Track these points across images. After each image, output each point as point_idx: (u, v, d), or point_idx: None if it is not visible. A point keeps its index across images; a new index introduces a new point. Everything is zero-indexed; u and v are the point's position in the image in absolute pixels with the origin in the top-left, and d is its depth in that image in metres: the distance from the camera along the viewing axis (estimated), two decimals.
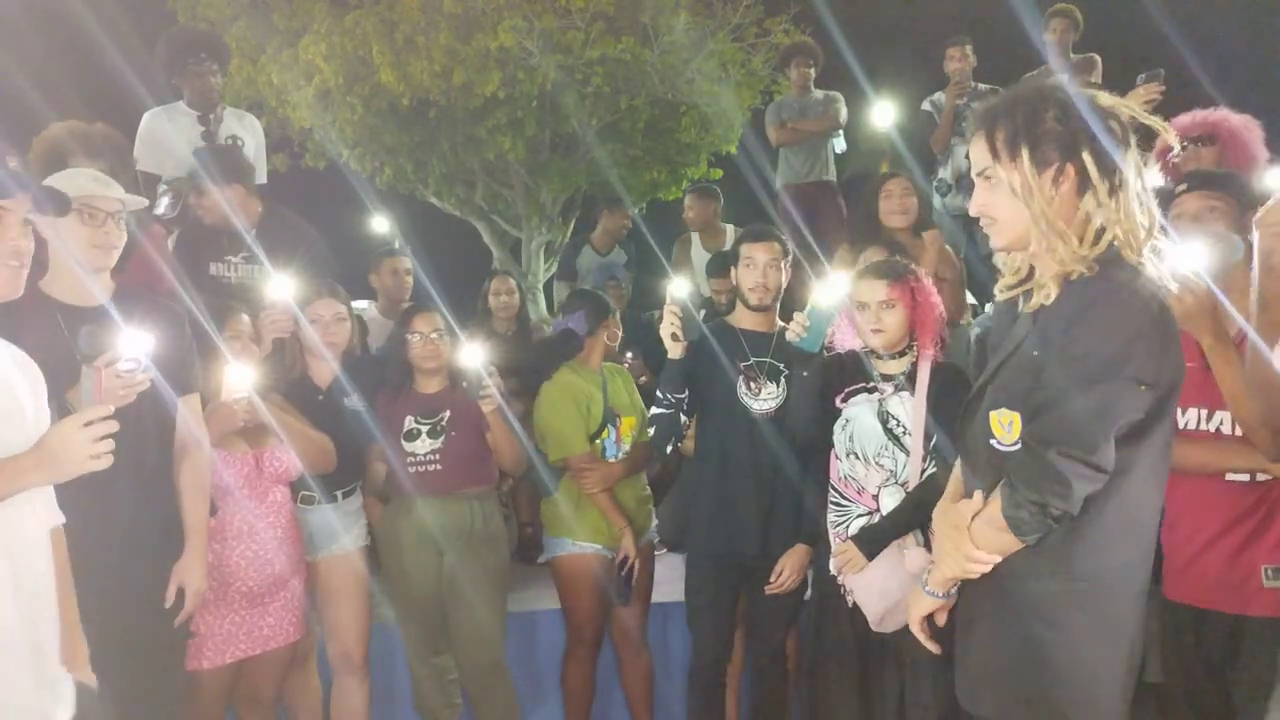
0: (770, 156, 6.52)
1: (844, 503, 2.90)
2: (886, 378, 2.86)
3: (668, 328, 3.03)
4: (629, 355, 4.28)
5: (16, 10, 7.40)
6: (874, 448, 2.84)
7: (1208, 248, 2.14)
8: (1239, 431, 2.28)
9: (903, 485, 2.80)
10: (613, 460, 3.45)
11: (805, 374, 2.88)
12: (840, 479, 2.90)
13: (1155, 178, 1.79)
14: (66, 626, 1.92)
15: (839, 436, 2.90)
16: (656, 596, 3.63)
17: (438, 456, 3.25)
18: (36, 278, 2.22)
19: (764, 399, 3.16)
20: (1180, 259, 1.99)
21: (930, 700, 2.74)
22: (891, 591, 2.71)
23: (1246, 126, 3.07)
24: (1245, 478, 2.34)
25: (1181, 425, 2.39)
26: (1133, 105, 1.77)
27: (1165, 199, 2.14)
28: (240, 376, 2.71)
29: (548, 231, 8.31)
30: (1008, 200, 1.76)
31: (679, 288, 3.09)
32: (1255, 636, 2.33)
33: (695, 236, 6.21)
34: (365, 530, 3.33)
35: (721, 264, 4.79)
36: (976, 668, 1.90)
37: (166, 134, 4.27)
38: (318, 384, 3.29)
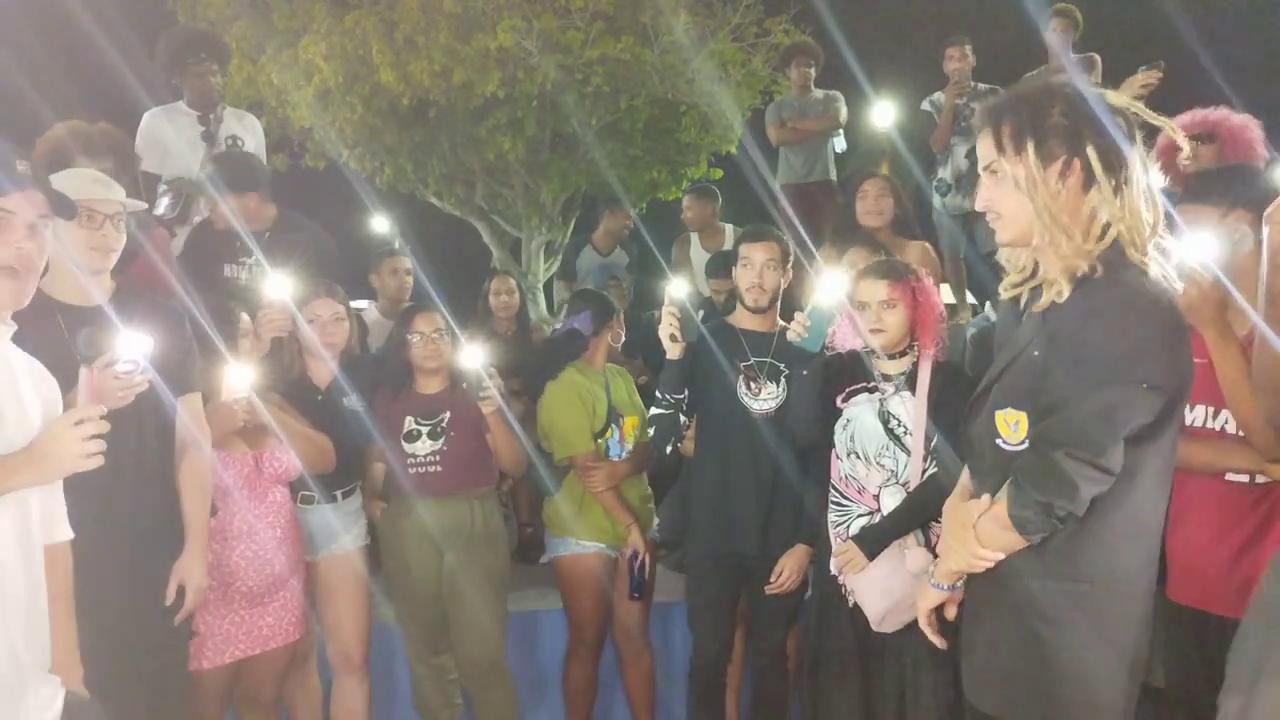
0: (770, 156, 6.52)
1: (845, 502, 2.89)
2: (887, 377, 2.86)
3: (666, 328, 3.03)
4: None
5: (16, 10, 7.40)
6: (875, 447, 2.84)
7: (1215, 239, 2.14)
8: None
9: (904, 485, 2.80)
10: (617, 459, 3.45)
11: (806, 374, 2.88)
12: (841, 479, 2.90)
13: (1156, 178, 1.79)
14: (60, 642, 1.90)
15: (840, 436, 2.90)
16: (656, 596, 3.63)
17: (438, 457, 3.25)
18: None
19: (764, 399, 3.16)
20: (1187, 250, 1.99)
21: (930, 700, 2.74)
22: (892, 591, 2.71)
23: (1247, 126, 3.06)
24: (1245, 479, 2.32)
25: (1189, 421, 2.38)
26: (1141, 106, 1.77)
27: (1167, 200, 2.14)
28: (240, 376, 2.71)
29: (548, 231, 8.30)
30: (1013, 194, 1.76)
31: (677, 288, 3.09)
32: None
33: (694, 236, 6.21)
34: (365, 530, 3.33)
35: (721, 264, 4.79)
36: (981, 664, 1.91)
37: (166, 134, 4.28)
38: (316, 384, 3.29)
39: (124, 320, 2.15)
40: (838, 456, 2.91)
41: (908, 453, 2.80)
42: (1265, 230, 1.87)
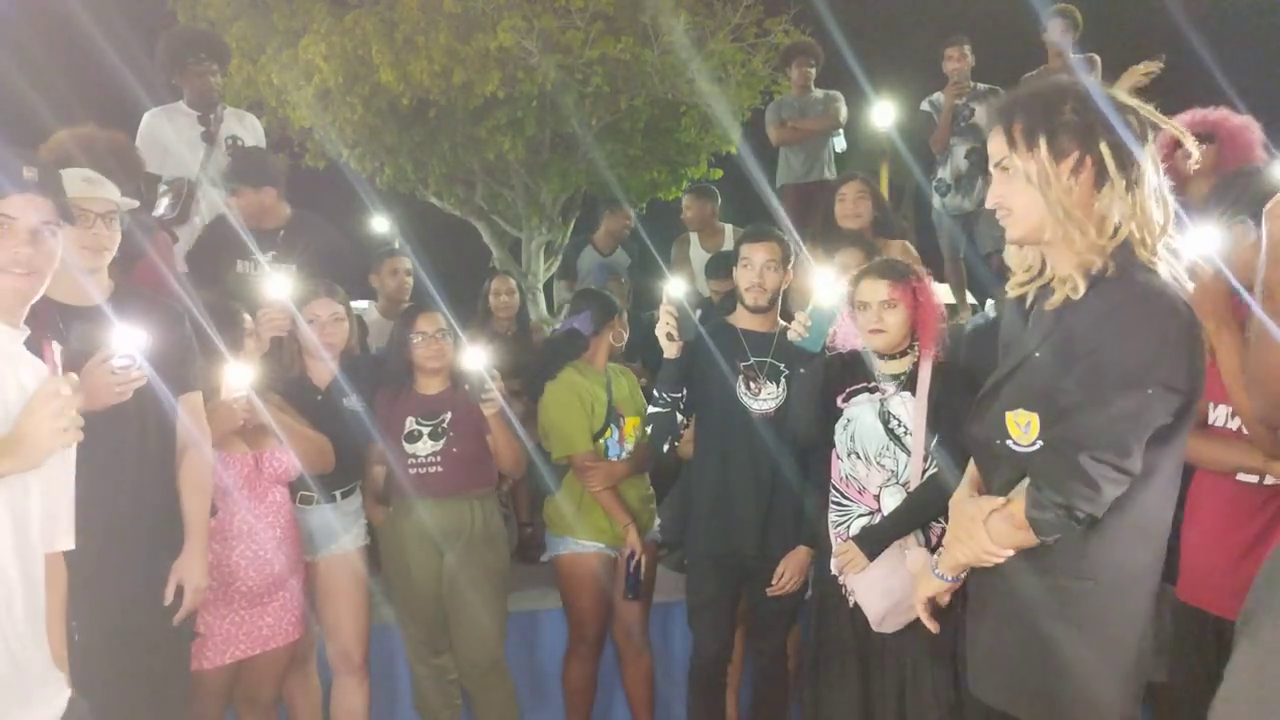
0: (770, 156, 6.52)
1: (845, 503, 2.89)
2: (888, 378, 2.86)
3: (663, 328, 3.03)
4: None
5: (16, 11, 7.40)
6: (875, 448, 2.83)
7: (1220, 231, 2.13)
8: None
9: (904, 485, 2.80)
10: (616, 459, 3.46)
11: (806, 374, 2.88)
12: (841, 479, 2.90)
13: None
14: (51, 650, 1.89)
15: (840, 436, 2.90)
16: (656, 596, 3.64)
17: (439, 458, 3.25)
18: None
19: (764, 399, 3.16)
20: (1190, 243, 1.99)
21: (930, 700, 2.74)
22: (893, 591, 2.70)
23: (1247, 127, 3.07)
24: (1255, 479, 2.31)
25: (1210, 420, 2.37)
26: (1151, 109, 1.77)
27: None
28: (239, 376, 2.71)
29: (548, 231, 8.31)
30: (1024, 190, 1.76)
31: (675, 288, 3.09)
32: None
33: (694, 236, 6.21)
34: (365, 530, 3.33)
35: (721, 264, 4.79)
36: (985, 657, 1.91)
37: (166, 134, 4.28)
38: (316, 384, 3.29)
39: (120, 318, 2.15)
40: (838, 456, 2.91)
41: (908, 453, 2.80)
42: (1264, 225, 1.86)
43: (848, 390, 2.90)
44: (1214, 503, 2.38)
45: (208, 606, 2.72)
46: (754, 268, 3.17)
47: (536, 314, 7.30)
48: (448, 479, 3.25)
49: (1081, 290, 1.73)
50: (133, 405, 2.20)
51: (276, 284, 3.21)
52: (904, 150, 6.37)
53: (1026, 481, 1.75)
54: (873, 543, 2.77)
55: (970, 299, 5.95)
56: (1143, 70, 1.73)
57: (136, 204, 2.59)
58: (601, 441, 3.44)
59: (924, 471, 2.78)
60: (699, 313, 4.51)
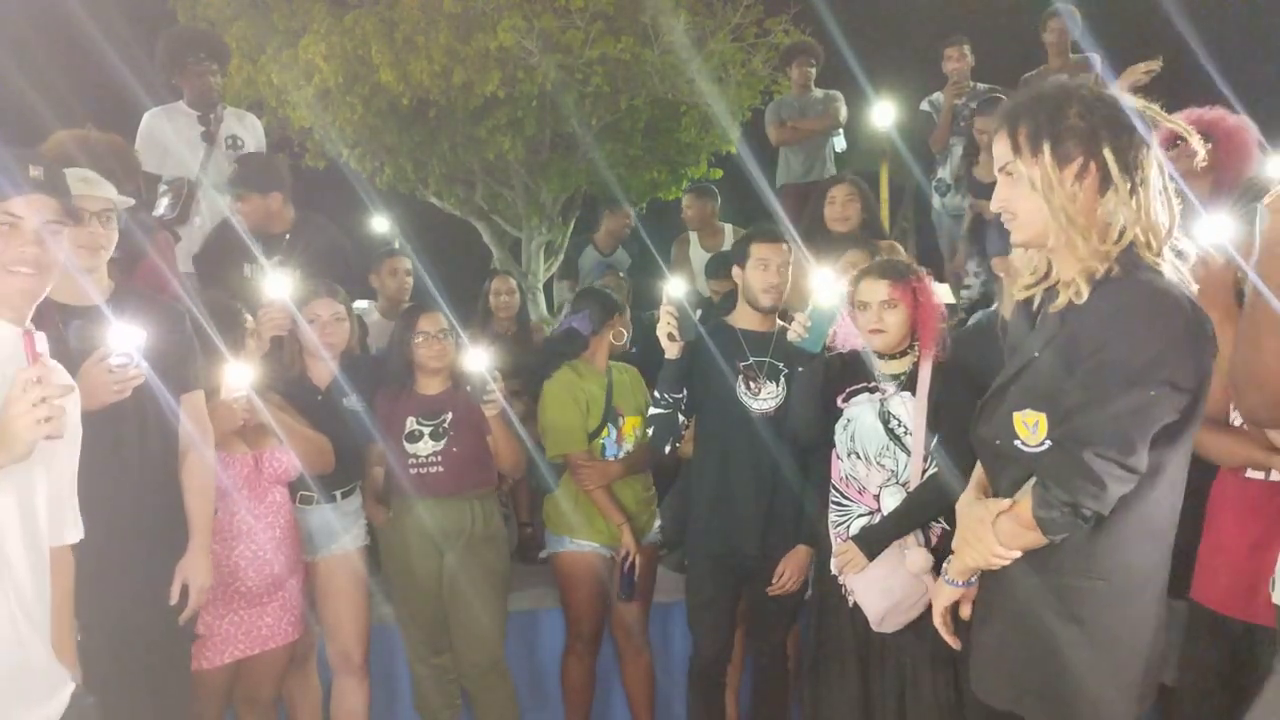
0: (770, 156, 6.52)
1: (845, 502, 2.89)
2: (888, 377, 2.86)
3: (664, 328, 3.03)
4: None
5: (16, 11, 7.40)
6: (875, 448, 2.84)
7: (1228, 220, 2.13)
8: None
9: (904, 485, 2.80)
10: (611, 459, 3.45)
11: (806, 374, 2.88)
12: (841, 479, 2.90)
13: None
14: (59, 644, 1.90)
15: (840, 436, 2.90)
16: (656, 596, 3.64)
17: (439, 458, 3.25)
18: None
19: (763, 399, 3.16)
20: (1202, 231, 1.99)
21: (930, 700, 2.74)
22: (892, 591, 2.71)
23: (1243, 127, 3.06)
24: (1262, 475, 2.30)
25: (1232, 418, 2.36)
26: (1157, 109, 1.77)
27: None
28: (239, 375, 2.71)
29: (548, 231, 8.30)
30: (1028, 195, 1.76)
31: (675, 288, 3.09)
32: (1264, 647, 2.24)
33: (693, 236, 6.22)
34: (365, 530, 3.33)
35: (721, 264, 4.78)
36: (990, 658, 1.91)
37: (166, 134, 4.29)
38: (316, 384, 3.29)
39: (121, 319, 2.15)
40: (838, 456, 2.91)
41: (908, 453, 2.80)
42: (1262, 220, 1.86)
43: (848, 390, 2.90)
44: (1223, 501, 2.38)
45: (207, 606, 2.73)
46: (771, 268, 3.17)
47: (537, 314, 7.29)
48: (448, 479, 3.26)
49: (1085, 294, 1.73)
50: (132, 404, 2.20)
51: (277, 283, 3.21)
52: (904, 150, 6.36)
53: (1032, 481, 1.75)
54: (872, 543, 2.77)
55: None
56: (1143, 69, 1.74)
57: (133, 202, 2.59)
58: (598, 441, 3.44)
59: (924, 471, 2.78)
60: (699, 313, 4.51)
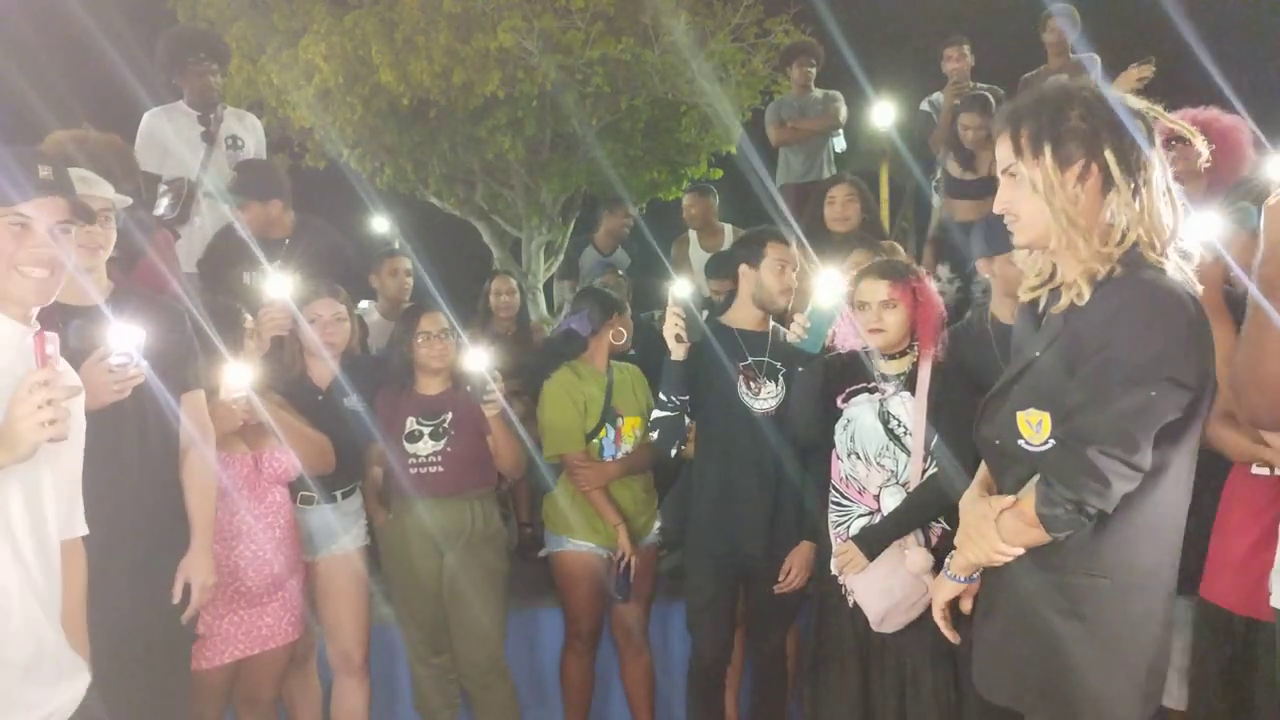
0: (770, 156, 6.52)
1: (845, 503, 2.89)
2: (887, 378, 2.86)
3: (671, 329, 3.01)
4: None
5: (16, 11, 7.40)
6: (875, 448, 2.83)
7: (1220, 217, 2.13)
8: None
9: (904, 485, 2.80)
10: (609, 460, 3.45)
11: (806, 374, 2.88)
12: (841, 479, 2.90)
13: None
14: (73, 636, 1.92)
15: (840, 436, 2.90)
16: (656, 596, 3.63)
17: (439, 458, 3.25)
18: None
19: (764, 398, 3.16)
20: (1190, 230, 1.99)
21: (930, 700, 2.74)
22: (893, 591, 2.71)
23: (1236, 127, 3.06)
24: (1267, 471, 2.31)
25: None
26: (1160, 110, 1.77)
27: None
28: (239, 376, 2.71)
29: (548, 231, 8.30)
30: (1030, 197, 1.77)
31: (681, 288, 3.08)
32: (1264, 645, 2.26)
33: (693, 236, 6.22)
34: (365, 530, 3.33)
35: (722, 264, 4.78)
36: (992, 654, 1.92)
37: (166, 134, 4.29)
38: (317, 384, 3.29)
39: (121, 318, 2.15)
40: (838, 457, 2.91)
41: (908, 453, 2.80)
42: (1263, 220, 1.85)
43: (847, 390, 2.90)
44: (1233, 497, 2.39)
45: (208, 606, 2.73)
46: (787, 268, 3.19)
47: (537, 314, 7.29)
48: (448, 479, 3.26)
49: (1086, 295, 1.74)
50: (131, 404, 2.20)
51: (277, 283, 3.21)
52: (904, 150, 6.36)
53: (1036, 478, 1.75)
54: (872, 543, 2.77)
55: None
56: (1136, 75, 1.75)
57: (130, 201, 2.60)
58: (596, 441, 3.44)
59: (924, 471, 2.78)
60: (705, 314, 4.50)
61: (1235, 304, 2.19)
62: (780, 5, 7.39)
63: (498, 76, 6.87)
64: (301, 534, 3.08)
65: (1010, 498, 1.81)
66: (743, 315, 3.25)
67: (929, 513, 2.77)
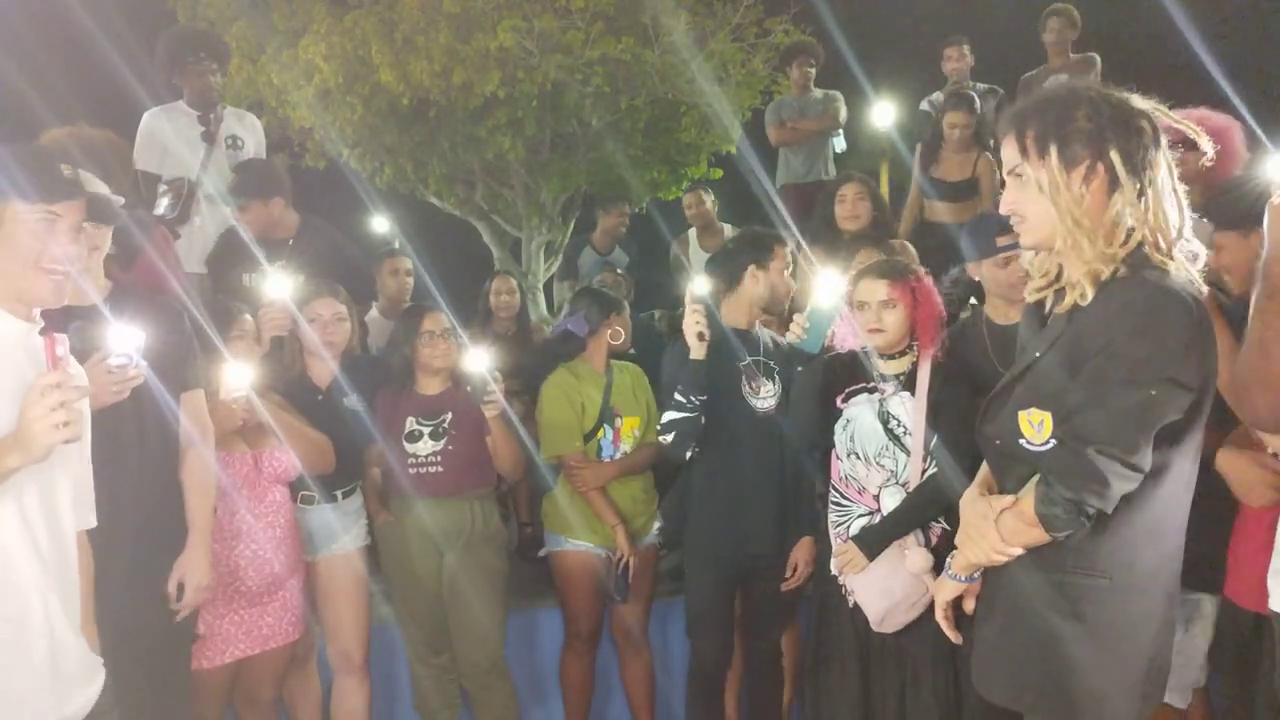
0: (770, 156, 6.52)
1: (845, 503, 2.89)
2: (886, 378, 2.86)
3: (693, 326, 2.96)
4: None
5: (16, 10, 7.40)
6: (875, 448, 2.83)
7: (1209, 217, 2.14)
8: None
9: (903, 485, 2.80)
10: (607, 460, 3.45)
11: (804, 373, 2.88)
12: (841, 479, 2.90)
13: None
14: (85, 628, 1.94)
15: (840, 436, 2.90)
16: (656, 596, 3.63)
17: (439, 458, 3.25)
18: None
19: (764, 397, 3.16)
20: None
21: (930, 700, 2.74)
22: (893, 591, 2.71)
23: (1228, 128, 3.06)
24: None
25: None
26: (1165, 110, 1.77)
27: None
28: (239, 375, 2.71)
29: (548, 231, 8.30)
30: (1036, 199, 1.77)
31: (701, 285, 3.04)
32: (1267, 641, 2.28)
33: (693, 236, 6.23)
34: (365, 530, 3.33)
35: (728, 264, 4.76)
36: (991, 653, 1.92)
37: (166, 134, 4.28)
38: (317, 384, 3.29)
39: (121, 318, 2.15)
40: (838, 457, 2.91)
41: (907, 453, 2.80)
42: (1265, 220, 1.85)
43: (847, 391, 2.90)
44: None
45: (207, 606, 2.73)
46: (790, 270, 3.20)
47: (537, 314, 7.30)
48: (448, 479, 3.26)
49: (1090, 297, 1.74)
50: (131, 405, 2.20)
51: (277, 283, 3.21)
52: (904, 150, 6.37)
53: (1036, 478, 1.76)
54: (872, 543, 2.77)
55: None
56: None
57: (121, 200, 2.60)
58: (594, 442, 3.44)
59: (923, 471, 2.78)
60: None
61: (1225, 310, 2.20)
62: (780, 5, 7.40)
63: (498, 76, 6.87)
64: (302, 534, 3.08)
65: (1010, 497, 1.81)
66: (736, 314, 3.24)
67: (929, 513, 2.77)
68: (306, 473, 3.04)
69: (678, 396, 3.04)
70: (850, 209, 4.33)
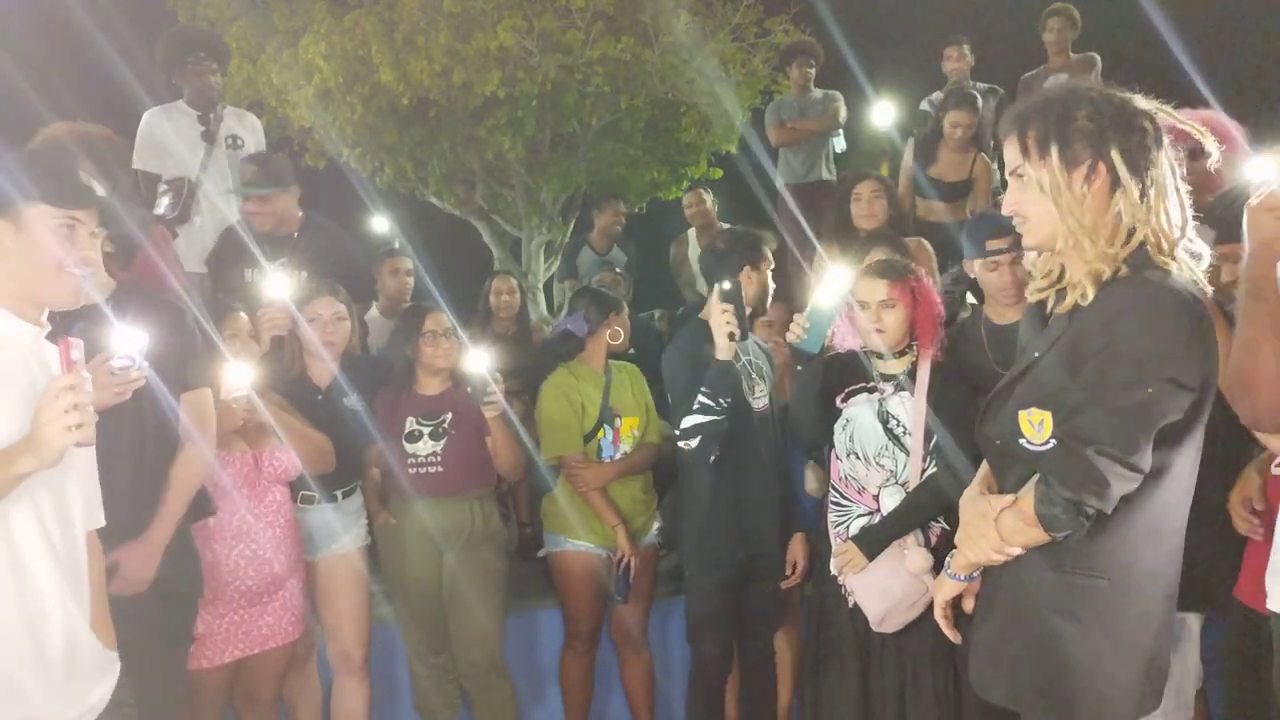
0: (770, 156, 6.52)
1: (844, 503, 2.89)
2: (886, 377, 2.86)
3: (724, 326, 2.87)
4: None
5: (16, 10, 7.40)
6: (874, 448, 2.84)
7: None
8: None
9: (903, 485, 2.80)
10: (607, 461, 3.44)
11: (803, 373, 2.88)
12: (841, 479, 2.90)
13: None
14: (99, 625, 1.95)
15: (839, 436, 2.90)
16: (656, 596, 3.63)
17: (439, 458, 3.25)
18: None
19: (759, 396, 3.17)
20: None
21: (930, 700, 2.74)
22: (892, 591, 2.71)
23: (1232, 128, 3.06)
24: None
25: None
26: (1169, 110, 1.77)
27: None
28: (239, 375, 2.71)
29: (548, 231, 8.30)
30: (1038, 199, 1.77)
31: (728, 284, 3.00)
32: (1267, 641, 2.24)
33: (692, 236, 6.23)
34: (365, 530, 3.33)
35: (727, 264, 4.75)
36: (990, 653, 1.92)
37: (166, 133, 4.28)
38: (317, 383, 3.29)
39: (121, 318, 2.15)
40: (837, 457, 2.91)
41: (907, 453, 2.80)
42: (1245, 222, 1.85)
43: (846, 391, 2.90)
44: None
45: (207, 606, 2.73)
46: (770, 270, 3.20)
47: (537, 314, 7.30)
48: (448, 478, 3.26)
49: (1091, 296, 1.74)
50: (131, 407, 2.20)
51: (276, 283, 3.21)
52: (904, 151, 6.37)
53: (1036, 478, 1.75)
54: (872, 543, 2.77)
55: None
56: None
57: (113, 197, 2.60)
58: (594, 442, 3.44)
59: (923, 471, 2.78)
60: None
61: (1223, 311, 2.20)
62: (780, 5, 7.40)
63: (498, 76, 6.87)
64: (302, 533, 3.08)
65: (1010, 497, 1.81)
66: None
67: (928, 513, 2.77)
68: (307, 473, 3.04)
69: (704, 399, 2.91)
70: (867, 207, 4.32)
